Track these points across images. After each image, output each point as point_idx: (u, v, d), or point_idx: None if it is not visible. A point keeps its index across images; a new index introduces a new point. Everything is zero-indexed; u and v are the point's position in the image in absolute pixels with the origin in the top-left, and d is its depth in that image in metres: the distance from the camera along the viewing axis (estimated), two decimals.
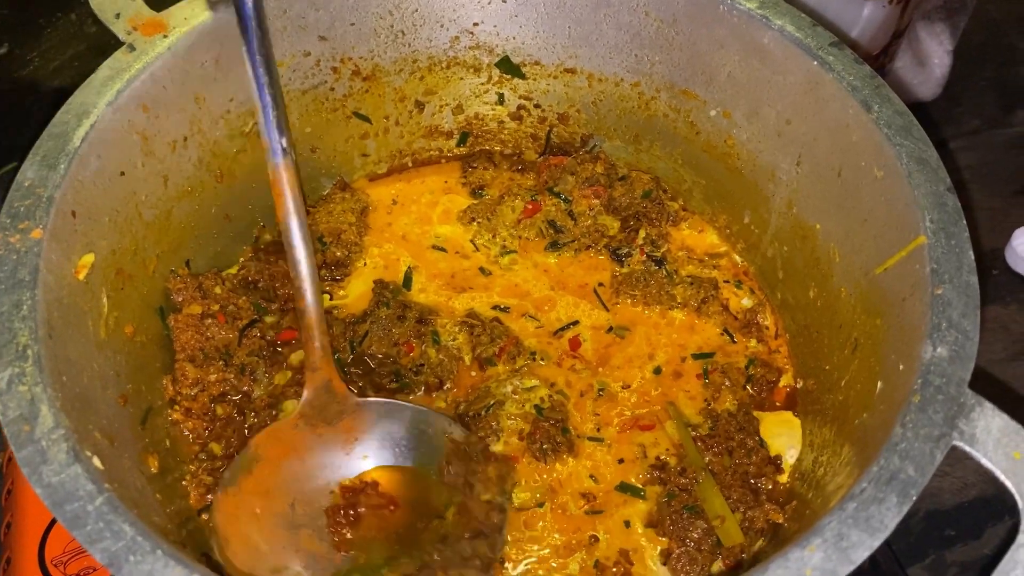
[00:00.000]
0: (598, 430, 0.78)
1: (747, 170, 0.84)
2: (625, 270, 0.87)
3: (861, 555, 0.50)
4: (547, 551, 0.72)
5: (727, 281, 0.86)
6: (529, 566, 0.72)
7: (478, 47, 0.90)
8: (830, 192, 0.75)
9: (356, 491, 0.71)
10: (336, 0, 0.82)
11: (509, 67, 0.91)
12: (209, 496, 0.73)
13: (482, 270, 0.87)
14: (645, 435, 0.78)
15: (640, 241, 0.87)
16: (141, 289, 0.75)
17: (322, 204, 0.90)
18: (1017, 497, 0.53)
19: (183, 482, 0.74)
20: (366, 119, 0.91)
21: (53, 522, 0.81)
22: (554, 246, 0.88)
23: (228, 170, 0.83)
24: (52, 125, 0.68)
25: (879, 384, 0.63)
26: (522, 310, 0.85)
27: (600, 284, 0.86)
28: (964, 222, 0.63)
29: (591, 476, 0.76)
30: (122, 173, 0.72)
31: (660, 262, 0.86)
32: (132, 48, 0.73)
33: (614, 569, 0.71)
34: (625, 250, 0.87)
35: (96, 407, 0.63)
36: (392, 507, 0.71)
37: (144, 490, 0.63)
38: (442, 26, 0.88)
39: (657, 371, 0.81)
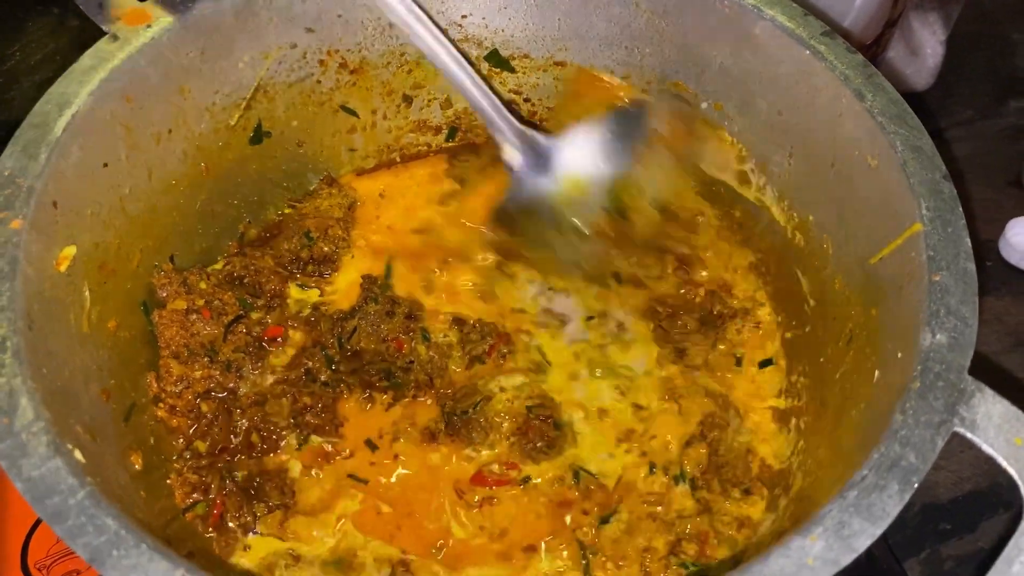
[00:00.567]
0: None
1: (740, 162, 0.83)
2: None
3: (863, 543, 0.49)
4: None
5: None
6: None
7: (466, 40, 0.89)
8: (823, 183, 0.75)
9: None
10: None
11: (498, 60, 0.90)
12: (195, 495, 0.71)
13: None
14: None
15: None
16: (124, 284, 0.73)
17: (309, 199, 0.89)
18: (1019, 483, 0.52)
19: (167, 480, 0.72)
20: (353, 113, 0.90)
21: (35, 525, 0.80)
22: None
23: (213, 164, 0.81)
24: (32, 115, 0.67)
25: (876, 373, 0.63)
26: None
27: None
28: (960, 209, 0.63)
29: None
30: (105, 165, 0.70)
31: None
32: (115, 38, 0.72)
33: None
34: None
35: (78, 402, 0.61)
36: None
37: (128, 487, 0.62)
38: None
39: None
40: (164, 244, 0.78)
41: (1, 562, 0.78)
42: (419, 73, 0.90)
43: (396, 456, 0.75)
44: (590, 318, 0.82)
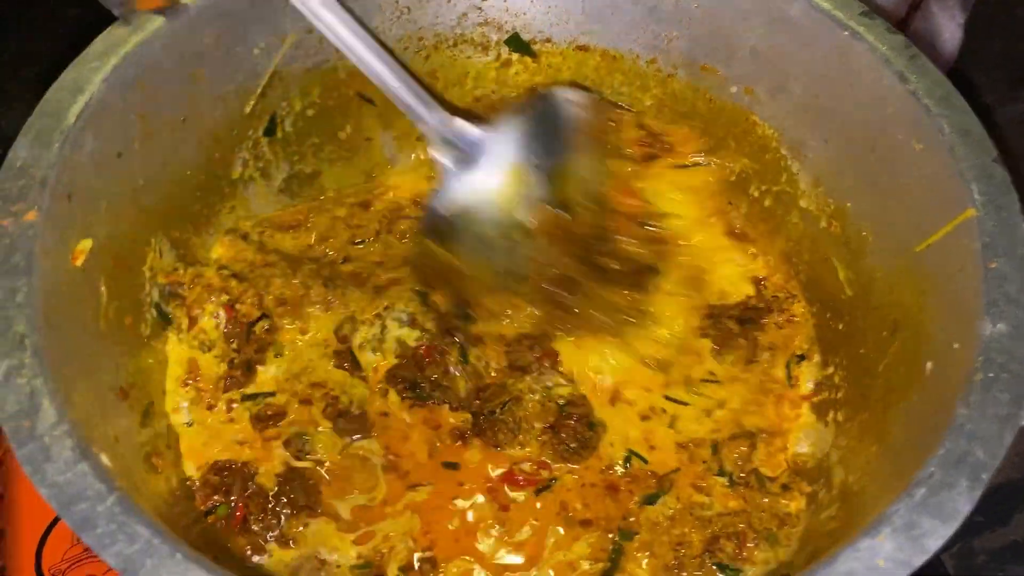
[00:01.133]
0: None
1: (771, 147, 0.81)
2: None
3: (935, 543, 0.47)
4: None
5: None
6: None
7: (486, 24, 0.86)
8: (863, 168, 0.72)
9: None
10: None
11: (519, 45, 0.87)
12: (216, 497, 0.69)
13: None
14: None
15: None
16: (139, 279, 0.71)
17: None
18: None
19: (187, 482, 0.69)
20: (370, 101, 0.87)
21: (50, 529, 0.77)
22: None
23: (227, 154, 0.79)
24: (44, 102, 0.64)
25: (929, 365, 0.60)
26: None
27: None
28: (1015, 194, 0.60)
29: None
30: (119, 155, 0.67)
31: None
32: (127, 22, 0.69)
33: None
34: None
35: (99, 402, 0.58)
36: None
37: (151, 490, 0.59)
38: (449, 1, 0.84)
39: None
40: (178, 237, 0.76)
41: (15, 567, 0.76)
42: (436, 58, 0.87)
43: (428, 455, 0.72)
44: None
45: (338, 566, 0.67)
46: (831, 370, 0.77)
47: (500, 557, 0.68)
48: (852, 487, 0.66)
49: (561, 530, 0.69)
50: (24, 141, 0.61)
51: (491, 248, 0.74)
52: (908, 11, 0.94)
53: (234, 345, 0.75)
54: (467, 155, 0.74)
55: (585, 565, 0.68)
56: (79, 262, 0.62)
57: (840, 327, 0.77)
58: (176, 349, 0.74)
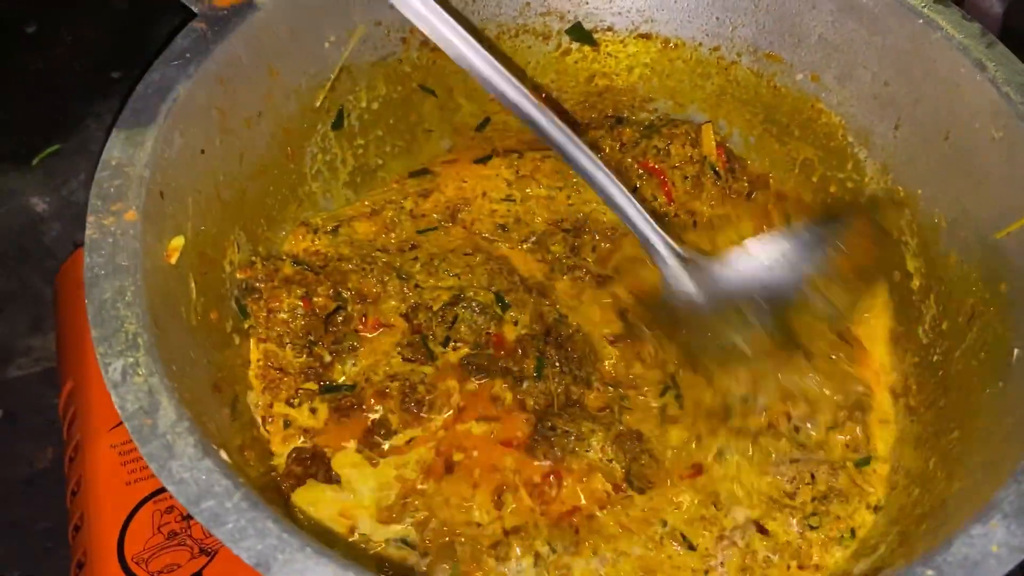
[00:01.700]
0: None
1: (837, 135, 0.81)
2: None
3: None
4: None
5: None
6: None
7: (548, 13, 0.86)
8: (935, 156, 0.73)
9: None
10: None
11: (580, 34, 0.88)
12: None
13: None
14: None
15: None
16: (220, 273, 0.72)
17: None
18: None
19: (272, 472, 0.70)
20: (431, 92, 0.87)
21: (130, 518, 0.78)
22: None
23: (298, 147, 0.79)
24: (133, 100, 0.64)
25: (1016, 352, 0.61)
26: None
27: None
28: None
29: None
30: (202, 151, 0.68)
31: None
32: (206, 18, 0.69)
33: None
34: None
35: (201, 398, 0.59)
36: None
37: (255, 484, 0.60)
38: None
39: None
40: (253, 230, 0.76)
41: (96, 559, 0.76)
42: (498, 49, 0.88)
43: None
44: None
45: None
46: (901, 355, 0.77)
47: None
48: (933, 472, 0.67)
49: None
50: (117, 140, 0.62)
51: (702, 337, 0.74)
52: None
53: (311, 337, 0.75)
54: (689, 277, 0.73)
55: None
56: (173, 259, 0.62)
57: (910, 313, 0.77)
58: (256, 343, 0.74)
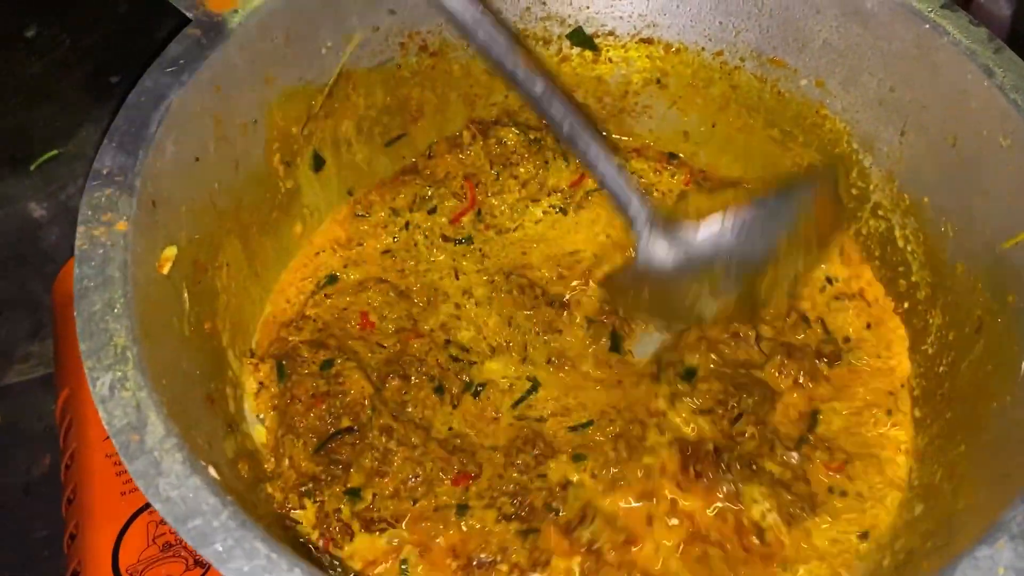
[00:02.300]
0: None
1: (842, 141, 0.80)
2: None
3: None
4: None
5: None
6: None
7: (549, 18, 0.85)
8: (942, 163, 0.72)
9: None
10: None
11: (581, 39, 0.86)
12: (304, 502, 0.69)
13: None
14: None
15: None
16: (215, 282, 0.71)
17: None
18: None
19: (269, 489, 0.69)
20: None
21: (124, 529, 0.77)
22: None
23: (295, 155, 0.78)
24: (125, 108, 0.63)
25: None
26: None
27: None
28: None
29: None
30: (196, 159, 0.67)
31: None
32: (200, 24, 0.68)
33: None
34: None
35: (192, 411, 0.59)
36: None
37: (246, 498, 0.59)
38: None
39: None
40: (248, 238, 0.75)
41: (90, 569, 0.76)
42: None
43: None
44: None
45: None
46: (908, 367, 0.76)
47: None
48: (938, 485, 0.65)
49: None
50: (108, 149, 0.61)
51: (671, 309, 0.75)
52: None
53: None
54: (668, 245, 0.71)
55: None
56: (165, 270, 0.62)
57: (915, 323, 0.76)
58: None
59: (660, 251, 0.70)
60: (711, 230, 0.70)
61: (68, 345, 0.85)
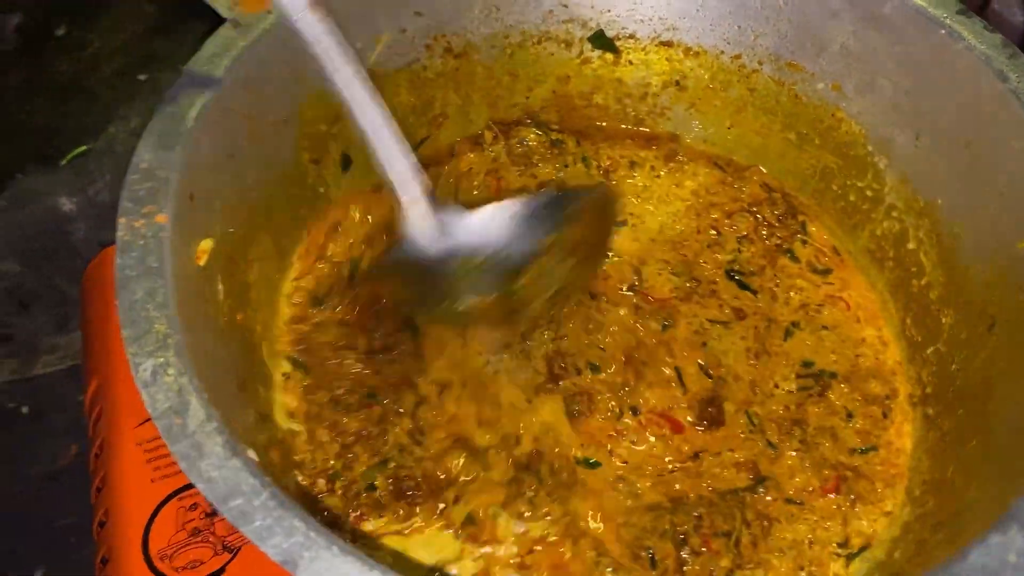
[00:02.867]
0: None
1: (857, 144, 0.82)
2: None
3: None
4: None
5: None
6: None
7: (571, 20, 0.87)
8: (956, 166, 0.73)
9: None
10: None
11: (602, 41, 0.88)
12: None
13: None
14: None
15: None
16: (246, 276, 0.73)
17: None
18: None
19: (299, 477, 0.71)
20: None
21: (154, 516, 0.79)
22: None
23: (323, 154, 0.80)
24: (164, 104, 0.65)
25: None
26: None
27: None
28: None
29: None
30: (230, 155, 0.69)
31: None
32: (237, 24, 0.70)
33: None
34: None
35: (228, 398, 0.60)
36: None
37: (279, 484, 0.61)
38: None
39: None
40: (279, 235, 0.77)
41: (120, 555, 0.78)
42: (520, 56, 0.88)
43: None
44: None
45: None
46: (921, 364, 0.77)
47: None
48: (949, 479, 0.67)
49: None
50: (147, 144, 0.63)
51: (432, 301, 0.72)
52: (978, 9, 0.94)
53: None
54: (436, 230, 0.71)
55: None
56: (202, 261, 0.64)
57: (928, 323, 0.78)
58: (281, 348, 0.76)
59: (427, 233, 0.69)
60: (481, 217, 0.69)
61: (98, 336, 0.87)
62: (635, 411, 0.74)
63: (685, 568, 0.67)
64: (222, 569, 0.74)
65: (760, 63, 0.84)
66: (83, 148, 1.02)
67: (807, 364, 0.78)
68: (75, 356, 0.99)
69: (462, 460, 0.70)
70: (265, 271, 0.75)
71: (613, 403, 0.74)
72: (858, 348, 0.79)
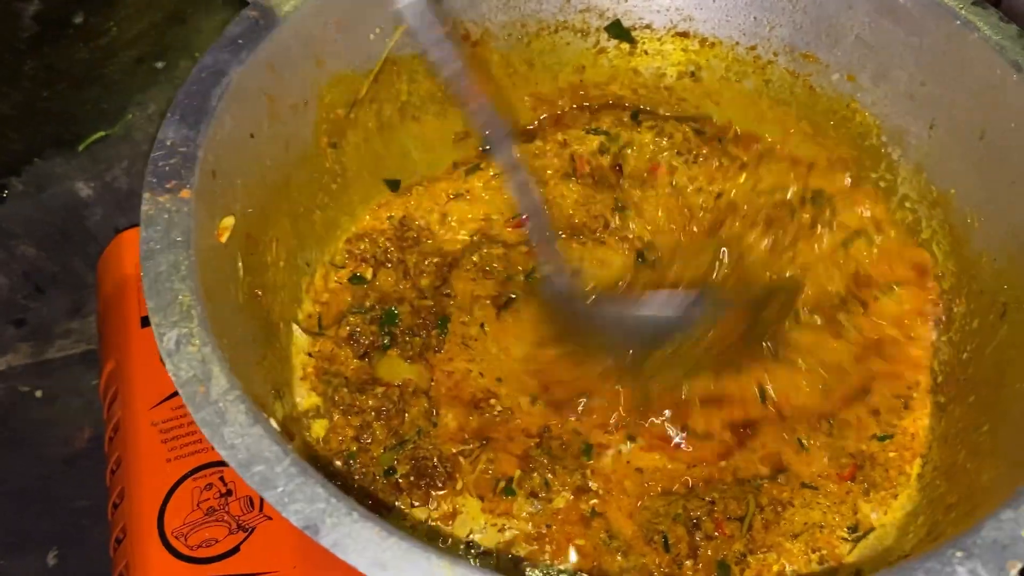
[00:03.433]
0: None
1: (872, 135, 0.82)
2: None
3: None
4: None
5: None
6: None
7: (588, 10, 0.88)
8: (970, 155, 0.74)
9: None
10: None
11: (619, 31, 0.89)
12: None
13: None
14: None
15: None
16: (264, 256, 0.73)
17: None
18: None
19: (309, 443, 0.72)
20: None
21: (169, 495, 0.80)
22: None
23: (341, 138, 0.81)
24: (188, 83, 0.66)
25: None
26: None
27: None
28: None
29: None
30: (251, 135, 0.70)
31: None
32: (259, 6, 0.71)
33: None
34: None
35: (249, 371, 0.61)
36: None
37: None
38: None
39: None
40: (297, 217, 0.78)
41: (136, 534, 0.78)
42: (537, 45, 0.89)
43: None
44: None
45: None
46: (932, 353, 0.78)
47: None
48: (961, 463, 0.67)
49: None
50: (172, 121, 0.64)
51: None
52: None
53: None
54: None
55: None
56: (224, 238, 0.64)
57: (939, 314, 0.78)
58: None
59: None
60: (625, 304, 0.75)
61: (114, 318, 0.88)
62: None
63: (698, 552, 0.68)
64: (237, 548, 0.74)
65: (775, 54, 0.85)
66: (101, 134, 1.03)
67: None
68: (90, 340, 1.00)
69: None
70: (283, 252, 0.76)
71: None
72: None
